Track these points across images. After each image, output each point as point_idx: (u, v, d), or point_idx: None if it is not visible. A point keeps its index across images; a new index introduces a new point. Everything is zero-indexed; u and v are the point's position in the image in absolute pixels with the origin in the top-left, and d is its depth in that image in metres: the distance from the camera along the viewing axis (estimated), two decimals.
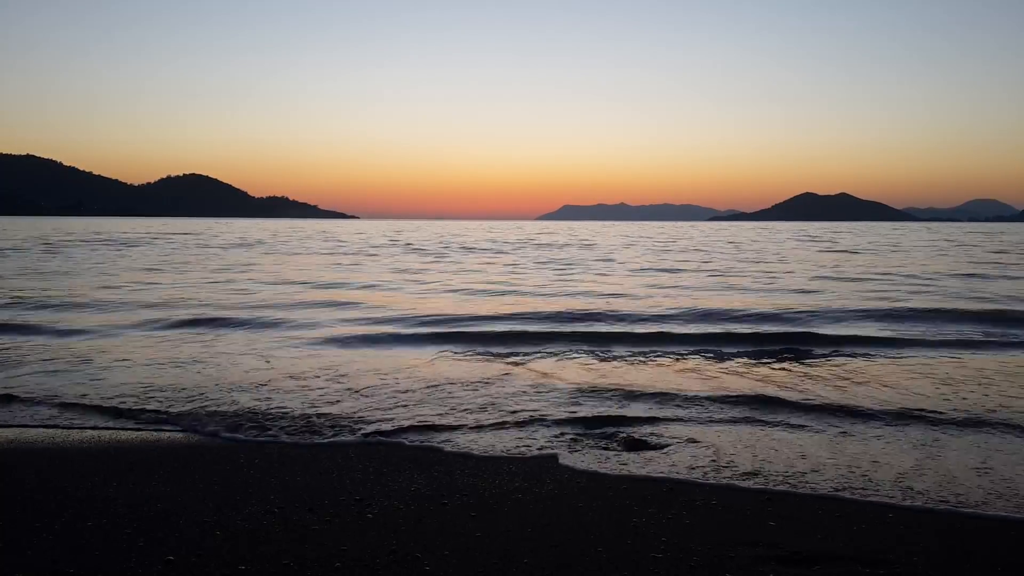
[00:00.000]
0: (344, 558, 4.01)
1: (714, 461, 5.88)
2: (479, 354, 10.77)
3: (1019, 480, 5.46)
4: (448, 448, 6.22)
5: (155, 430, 6.74)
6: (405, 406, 7.58)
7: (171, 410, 7.35)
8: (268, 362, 9.95)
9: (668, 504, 4.91)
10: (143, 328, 12.97)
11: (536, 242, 58.49)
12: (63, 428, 6.76)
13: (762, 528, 4.52)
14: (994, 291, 19.79)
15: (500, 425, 6.93)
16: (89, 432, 6.64)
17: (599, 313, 15.13)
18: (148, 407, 7.45)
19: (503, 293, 19.48)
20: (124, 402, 7.64)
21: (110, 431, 6.69)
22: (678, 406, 7.67)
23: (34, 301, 16.48)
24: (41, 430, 6.70)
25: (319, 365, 9.74)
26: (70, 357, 10.11)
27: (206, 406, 7.50)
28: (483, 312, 15.35)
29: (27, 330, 12.55)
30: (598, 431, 6.74)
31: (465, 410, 7.44)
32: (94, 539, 4.25)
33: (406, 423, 6.92)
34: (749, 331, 12.78)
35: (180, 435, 6.59)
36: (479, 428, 6.82)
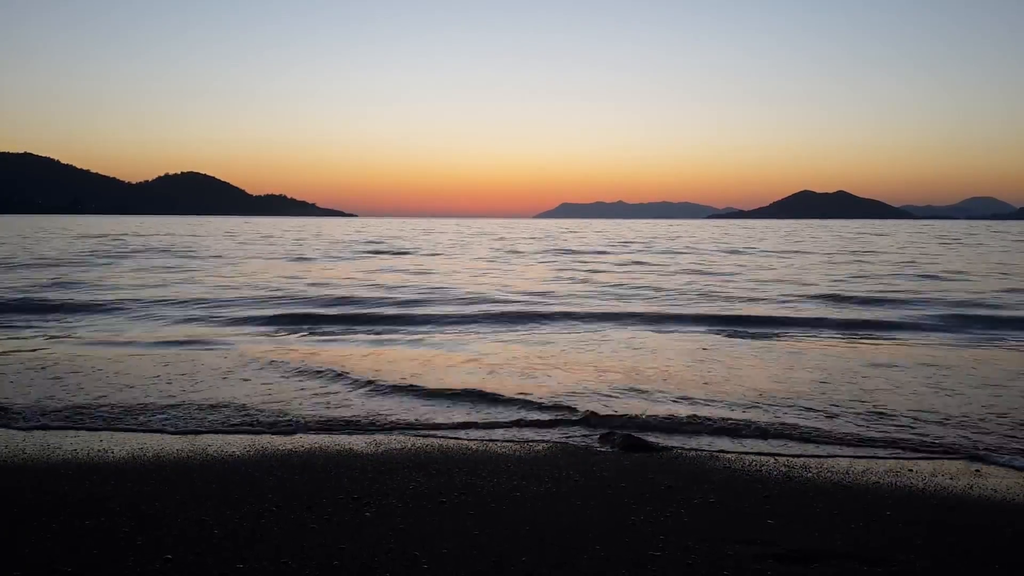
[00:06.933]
0: (342, 557, 4.00)
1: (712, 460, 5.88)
2: None
3: None
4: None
5: None
6: None
7: None
8: None
9: (666, 502, 4.91)
10: None
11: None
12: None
13: (760, 526, 4.52)
14: None
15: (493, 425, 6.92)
16: None
17: None
18: None
19: None
20: None
21: None
22: None
23: None
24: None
25: None
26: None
27: None
28: None
29: None
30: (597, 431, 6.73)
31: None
32: (92, 538, 4.24)
33: None
34: None
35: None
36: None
